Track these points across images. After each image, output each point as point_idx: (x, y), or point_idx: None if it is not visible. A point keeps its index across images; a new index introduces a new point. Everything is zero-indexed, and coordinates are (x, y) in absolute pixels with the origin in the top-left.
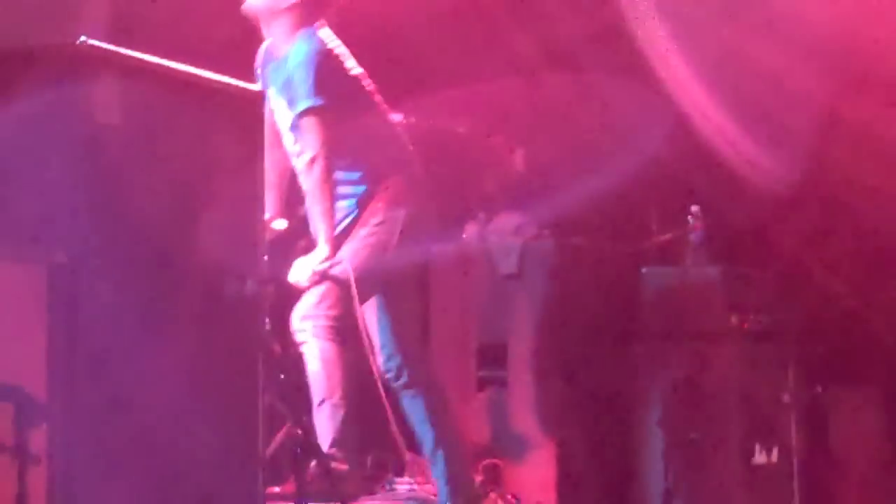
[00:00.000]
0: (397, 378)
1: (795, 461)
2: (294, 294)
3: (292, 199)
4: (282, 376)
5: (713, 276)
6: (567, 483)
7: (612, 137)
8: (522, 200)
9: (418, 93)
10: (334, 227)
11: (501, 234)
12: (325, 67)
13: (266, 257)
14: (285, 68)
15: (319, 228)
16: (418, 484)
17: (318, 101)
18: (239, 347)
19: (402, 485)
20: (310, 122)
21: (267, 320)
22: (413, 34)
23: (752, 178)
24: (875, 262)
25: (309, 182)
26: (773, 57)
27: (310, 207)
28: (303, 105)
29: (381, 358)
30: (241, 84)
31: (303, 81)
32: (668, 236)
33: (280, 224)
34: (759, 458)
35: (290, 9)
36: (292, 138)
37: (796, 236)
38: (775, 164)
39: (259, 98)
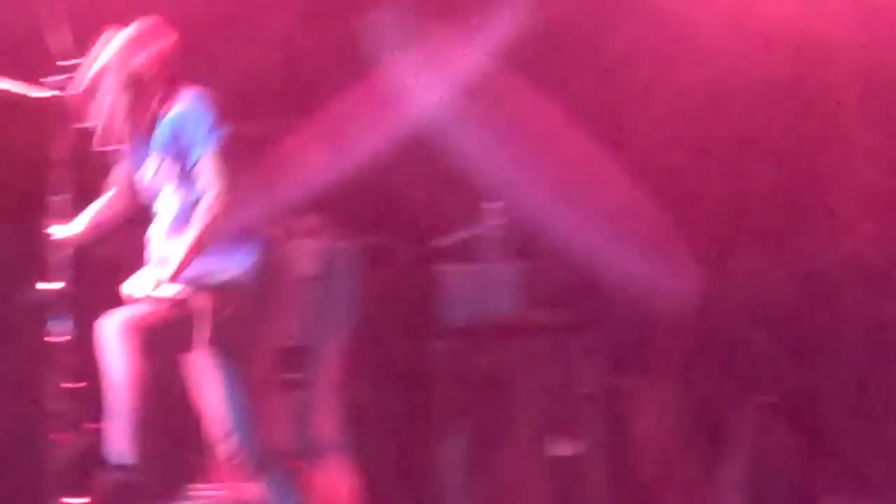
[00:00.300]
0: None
1: (595, 451)
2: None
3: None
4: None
5: (511, 272)
6: (369, 482)
7: (408, 136)
8: (320, 202)
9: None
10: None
11: (301, 235)
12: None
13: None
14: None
15: (178, 254)
16: (220, 489)
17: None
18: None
19: (204, 491)
20: (209, 162)
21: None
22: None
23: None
24: (668, 255)
25: (204, 215)
26: None
27: (182, 233)
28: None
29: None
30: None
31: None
32: (465, 233)
33: (63, 231)
34: (559, 449)
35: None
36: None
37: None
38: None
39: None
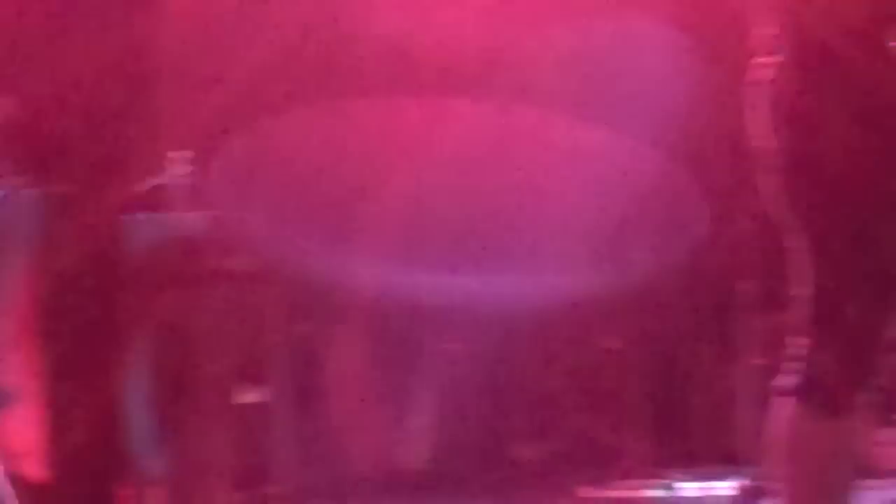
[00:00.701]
0: None
1: (283, 398)
2: None
3: None
4: None
5: (200, 222)
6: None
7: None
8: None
9: None
10: None
11: None
12: None
13: None
14: None
15: None
16: None
17: None
18: None
19: None
20: None
21: None
22: None
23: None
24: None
25: None
26: None
27: None
28: None
29: None
30: None
31: None
32: (154, 182)
33: None
34: (248, 396)
35: None
36: None
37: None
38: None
39: None
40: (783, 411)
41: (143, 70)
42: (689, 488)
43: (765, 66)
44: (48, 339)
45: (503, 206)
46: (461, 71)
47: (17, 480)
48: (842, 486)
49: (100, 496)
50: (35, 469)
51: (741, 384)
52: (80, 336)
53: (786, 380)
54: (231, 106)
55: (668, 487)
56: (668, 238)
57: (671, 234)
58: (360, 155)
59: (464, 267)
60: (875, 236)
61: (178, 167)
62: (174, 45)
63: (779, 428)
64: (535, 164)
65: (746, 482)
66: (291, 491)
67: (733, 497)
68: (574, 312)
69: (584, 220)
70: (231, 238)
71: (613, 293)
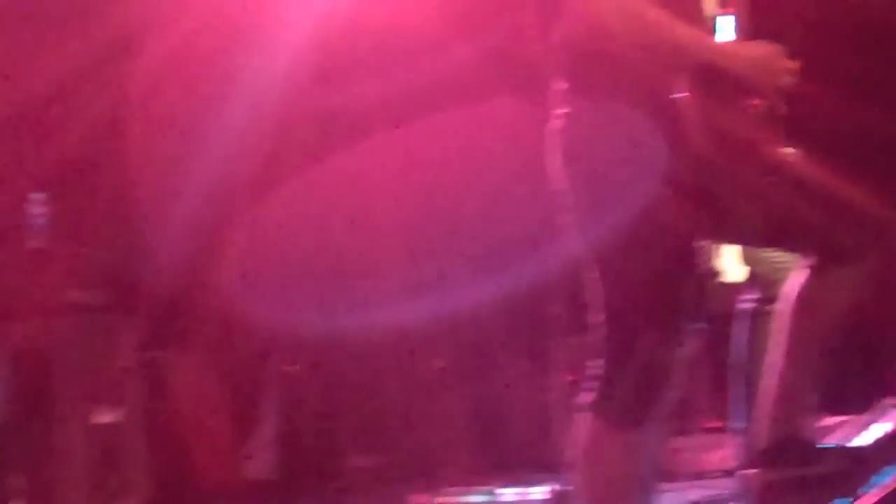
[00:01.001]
0: None
1: (134, 418)
2: None
3: None
4: None
5: (53, 255)
6: None
7: None
8: None
9: None
10: None
11: None
12: None
13: None
14: None
15: None
16: None
17: None
18: None
19: None
20: None
21: None
22: None
23: None
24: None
25: None
26: None
27: None
28: None
29: None
30: None
31: None
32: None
33: None
34: (102, 417)
35: None
36: None
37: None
38: None
39: None
40: (583, 424)
41: None
42: (508, 494)
43: (559, 116)
44: None
45: (335, 236)
46: None
47: None
48: (634, 491)
49: None
50: None
51: (553, 399)
52: None
53: (585, 396)
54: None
55: (491, 493)
56: (487, 267)
57: (490, 264)
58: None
59: (302, 294)
60: (660, 270)
61: (37, 204)
62: None
63: (579, 439)
64: (356, 201)
65: (558, 487)
66: None
67: (546, 501)
68: (402, 335)
69: (412, 248)
70: (87, 271)
71: (438, 317)
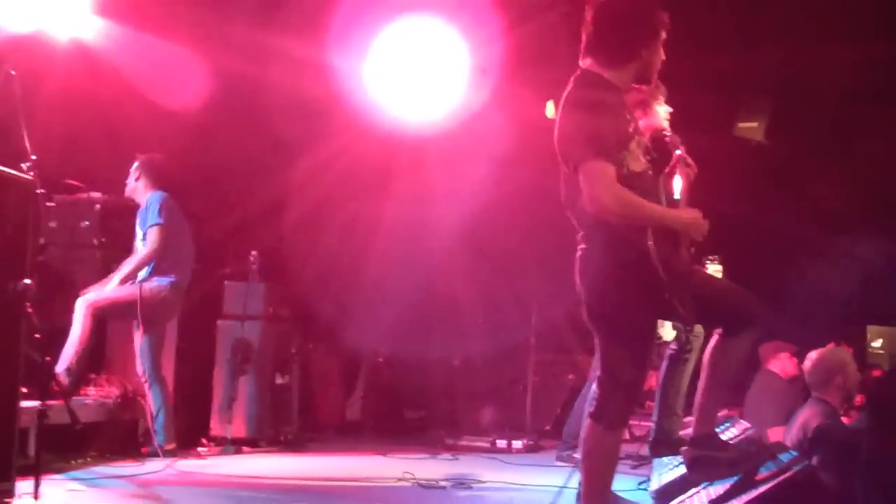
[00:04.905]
0: None
1: (297, 381)
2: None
3: None
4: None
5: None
6: None
7: None
8: None
9: None
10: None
11: None
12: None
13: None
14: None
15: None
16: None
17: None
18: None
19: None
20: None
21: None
22: None
23: None
24: None
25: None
26: None
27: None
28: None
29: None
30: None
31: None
32: None
33: None
34: (281, 380)
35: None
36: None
37: None
38: None
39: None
40: (587, 428)
41: None
42: (501, 442)
43: (580, 250)
44: None
45: (425, 309)
46: None
47: None
48: (615, 466)
49: None
50: None
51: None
52: None
53: (590, 406)
54: None
55: (490, 440)
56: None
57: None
58: None
59: (387, 323)
60: (636, 338)
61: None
62: None
63: (584, 437)
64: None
65: (530, 441)
66: None
67: (524, 447)
68: (440, 348)
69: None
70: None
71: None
